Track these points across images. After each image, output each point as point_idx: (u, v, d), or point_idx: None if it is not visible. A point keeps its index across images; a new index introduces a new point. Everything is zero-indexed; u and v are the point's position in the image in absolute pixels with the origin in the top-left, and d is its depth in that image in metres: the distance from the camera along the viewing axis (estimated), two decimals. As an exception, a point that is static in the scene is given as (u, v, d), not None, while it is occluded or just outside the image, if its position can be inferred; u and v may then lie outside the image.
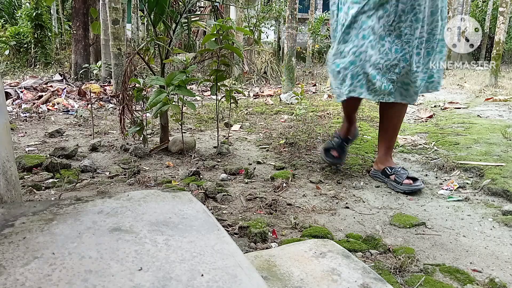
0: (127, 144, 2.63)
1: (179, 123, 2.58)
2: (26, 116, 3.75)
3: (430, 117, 3.78)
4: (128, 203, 0.86)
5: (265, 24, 10.08)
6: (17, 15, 10.02)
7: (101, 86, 5.95)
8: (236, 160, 2.40)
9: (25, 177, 1.98)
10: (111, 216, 0.79)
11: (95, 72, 6.93)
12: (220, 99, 2.73)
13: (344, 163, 2.18)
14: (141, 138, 2.57)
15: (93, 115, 3.43)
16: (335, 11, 1.84)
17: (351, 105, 2.07)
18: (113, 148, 2.64)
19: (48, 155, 2.33)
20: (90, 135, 3.05)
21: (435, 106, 4.44)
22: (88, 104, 4.52)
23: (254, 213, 1.61)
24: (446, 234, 1.45)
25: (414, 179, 1.88)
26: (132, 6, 10.40)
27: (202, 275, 0.60)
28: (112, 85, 5.60)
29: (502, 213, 1.61)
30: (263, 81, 7.65)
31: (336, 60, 1.73)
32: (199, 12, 9.51)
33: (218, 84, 2.50)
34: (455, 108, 4.22)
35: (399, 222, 1.53)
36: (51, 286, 0.56)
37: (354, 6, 1.67)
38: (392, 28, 1.68)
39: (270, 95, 5.73)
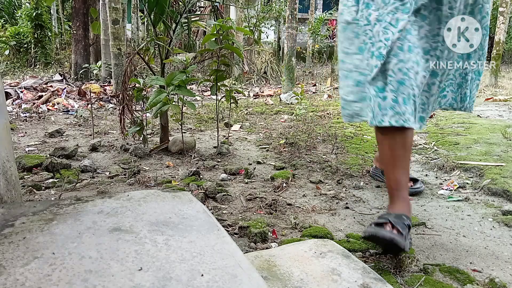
0: (127, 144, 2.63)
1: (179, 123, 2.58)
2: (26, 116, 3.75)
3: (430, 117, 3.78)
4: (128, 203, 0.86)
5: (265, 24, 10.08)
6: (17, 15, 10.02)
7: (101, 86, 5.95)
8: (236, 160, 2.40)
9: (25, 177, 1.98)
10: (111, 216, 0.79)
11: (95, 72, 6.93)
12: (220, 99, 2.73)
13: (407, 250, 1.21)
14: (141, 138, 2.57)
15: (93, 115, 3.43)
16: (354, 7, 1.39)
17: (396, 158, 1.37)
18: (113, 148, 2.64)
19: (48, 155, 2.32)
20: (90, 135, 3.05)
21: (435, 106, 4.44)
22: (88, 104, 4.52)
23: (254, 213, 1.61)
24: (446, 234, 1.45)
25: (415, 181, 1.88)
26: (132, 6, 10.40)
27: (202, 275, 0.60)
28: (112, 85, 5.60)
29: (502, 213, 1.61)
30: (263, 81, 7.65)
31: (378, 83, 1.29)
32: (199, 12, 9.51)
33: (218, 84, 2.50)
34: (455, 108, 4.21)
35: (399, 222, 1.52)
36: (51, 286, 0.56)
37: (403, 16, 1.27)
38: (432, 40, 1.37)
39: (270, 95, 5.73)
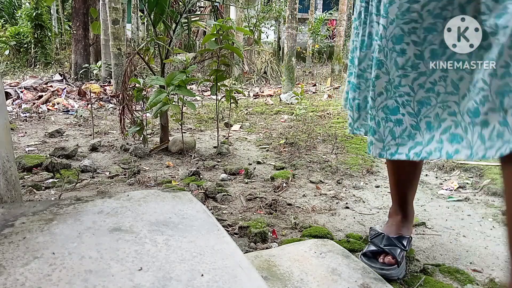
0: (127, 144, 2.63)
1: (179, 123, 2.58)
2: (26, 116, 3.75)
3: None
4: (128, 203, 0.86)
5: (265, 24, 10.08)
6: (17, 15, 10.02)
7: (101, 86, 5.95)
8: (236, 160, 2.40)
9: (25, 177, 1.98)
10: (111, 216, 0.79)
11: (95, 72, 6.93)
12: (220, 99, 2.73)
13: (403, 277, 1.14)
14: (141, 138, 2.57)
15: (93, 115, 3.43)
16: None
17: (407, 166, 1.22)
18: (113, 148, 2.64)
19: (48, 155, 2.32)
20: (90, 135, 3.05)
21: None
22: (88, 104, 4.52)
23: (254, 213, 1.61)
24: (446, 234, 1.45)
25: None
26: (132, 6, 10.40)
27: (202, 275, 0.60)
28: (112, 85, 5.60)
29: (502, 213, 1.61)
30: (263, 81, 7.65)
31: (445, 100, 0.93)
32: (199, 12, 9.51)
33: (218, 84, 2.50)
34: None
35: (399, 222, 1.52)
36: (51, 286, 0.56)
37: None
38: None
39: (270, 95, 5.73)
